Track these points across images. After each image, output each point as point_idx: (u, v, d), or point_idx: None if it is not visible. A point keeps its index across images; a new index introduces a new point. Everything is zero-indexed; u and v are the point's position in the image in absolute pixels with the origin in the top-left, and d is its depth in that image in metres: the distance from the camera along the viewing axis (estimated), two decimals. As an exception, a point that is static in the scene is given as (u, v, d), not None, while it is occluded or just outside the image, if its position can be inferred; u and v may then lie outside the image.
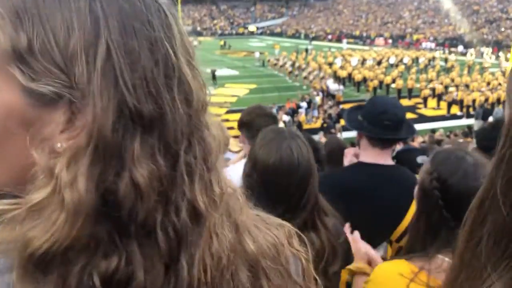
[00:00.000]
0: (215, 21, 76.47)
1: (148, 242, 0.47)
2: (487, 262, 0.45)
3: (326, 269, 1.38)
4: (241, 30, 73.47)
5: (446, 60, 34.61)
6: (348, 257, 1.54)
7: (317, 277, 0.70)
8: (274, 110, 17.19)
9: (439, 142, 8.63)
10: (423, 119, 19.40)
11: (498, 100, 21.51)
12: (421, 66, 32.55)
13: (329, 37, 61.40)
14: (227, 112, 18.27)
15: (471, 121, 18.73)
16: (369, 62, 31.80)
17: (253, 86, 26.45)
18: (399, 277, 1.15)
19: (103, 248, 0.45)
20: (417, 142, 9.33)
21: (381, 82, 25.48)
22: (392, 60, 33.59)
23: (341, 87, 24.34)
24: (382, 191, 1.92)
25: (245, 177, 1.44)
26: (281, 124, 14.32)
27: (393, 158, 2.50)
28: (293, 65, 30.09)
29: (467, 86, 23.76)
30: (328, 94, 22.97)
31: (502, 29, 50.04)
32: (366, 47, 47.10)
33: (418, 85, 24.03)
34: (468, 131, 13.99)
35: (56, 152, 0.45)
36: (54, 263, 0.44)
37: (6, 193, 0.48)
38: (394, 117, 1.96)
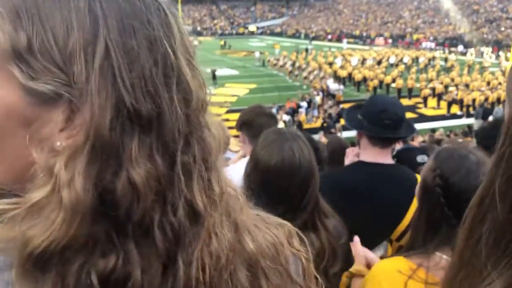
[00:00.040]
0: (215, 21, 76.45)
1: (145, 242, 0.47)
2: (487, 260, 0.44)
3: (326, 270, 1.39)
4: (241, 30, 73.42)
5: (446, 59, 34.59)
6: (349, 258, 1.54)
7: (318, 276, 0.69)
8: (274, 110, 17.07)
9: (439, 142, 8.63)
10: (423, 118, 19.40)
11: (498, 100, 21.50)
12: (421, 65, 32.54)
13: (329, 37, 61.35)
14: (227, 111, 18.26)
15: (471, 120, 18.72)
16: (369, 62, 31.78)
17: (253, 86, 26.44)
18: (398, 274, 1.15)
19: (101, 247, 0.45)
20: (417, 142, 9.33)
21: (381, 82, 25.47)
22: (392, 60, 33.58)
23: (341, 86, 24.34)
24: (382, 190, 1.92)
25: (246, 178, 1.45)
26: (281, 124, 14.33)
27: (393, 157, 2.50)
28: (293, 64, 30.08)
29: (467, 85, 23.75)
30: (328, 94, 22.96)
31: (502, 29, 50.02)
32: (366, 47, 47.09)
33: (418, 85, 24.03)
34: (468, 131, 13.98)
35: (55, 151, 0.45)
36: (52, 262, 0.44)
37: (6, 192, 0.48)
38: (394, 116, 1.96)
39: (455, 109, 21.41)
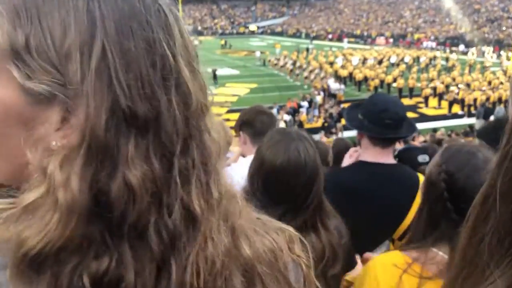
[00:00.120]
0: (215, 21, 76.45)
1: (140, 244, 0.47)
2: (489, 259, 0.44)
3: (325, 271, 1.38)
4: (242, 29, 73.38)
5: (447, 59, 34.55)
6: (349, 259, 1.54)
7: (317, 284, 0.68)
8: (275, 110, 17.04)
9: (440, 142, 8.60)
10: (424, 118, 19.38)
11: (500, 99, 21.48)
12: (422, 65, 32.50)
13: (330, 36, 61.29)
14: (228, 111, 18.26)
15: (472, 120, 18.71)
16: (370, 61, 31.76)
17: (254, 85, 26.44)
18: (393, 268, 1.17)
19: (95, 248, 0.45)
20: (418, 142, 9.32)
21: (382, 81, 25.46)
22: (393, 59, 33.54)
23: (342, 86, 24.34)
24: (383, 190, 1.91)
25: (250, 177, 1.45)
26: (282, 124, 14.32)
27: (395, 157, 2.50)
28: (294, 64, 30.06)
29: (468, 85, 23.71)
30: (329, 94, 22.95)
31: (504, 28, 49.93)
32: (367, 46, 47.02)
33: (419, 84, 24.01)
34: (469, 130, 13.97)
35: (51, 150, 0.45)
36: (47, 263, 0.44)
37: (4, 192, 0.48)
38: (395, 116, 1.95)
39: (456, 108, 21.39)
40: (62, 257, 0.44)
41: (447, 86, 23.73)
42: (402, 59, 34.18)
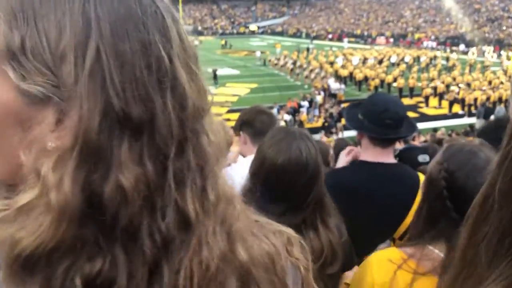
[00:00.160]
0: (216, 21, 76.45)
1: (133, 247, 0.47)
2: (489, 260, 0.44)
3: (322, 270, 1.39)
4: (242, 29, 73.37)
5: (447, 59, 34.55)
6: (349, 258, 1.54)
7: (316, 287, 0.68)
8: (275, 110, 17.03)
9: (440, 141, 8.60)
10: (424, 118, 19.38)
11: (500, 99, 21.47)
12: (423, 65, 32.50)
13: (330, 36, 61.28)
14: (228, 111, 18.27)
15: (472, 120, 18.70)
16: (370, 61, 31.76)
17: (254, 85, 26.44)
18: (388, 263, 1.18)
19: (88, 250, 0.45)
20: (418, 141, 9.31)
21: (382, 81, 25.48)
22: (394, 59, 33.54)
23: (343, 86, 24.35)
24: (384, 189, 1.91)
25: (251, 175, 1.45)
26: (282, 124, 14.31)
27: (395, 156, 2.49)
28: (294, 64, 30.07)
29: (468, 85, 23.71)
30: (329, 93, 22.96)
31: (504, 28, 49.90)
32: (367, 46, 47.04)
33: (419, 84, 24.02)
34: (470, 130, 13.96)
35: (47, 151, 0.45)
36: (40, 264, 0.44)
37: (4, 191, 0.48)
38: (395, 116, 1.94)
39: (456, 108, 21.39)
40: (55, 258, 0.44)
41: (448, 86, 23.73)
42: (403, 59, 34.18)
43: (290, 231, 0.67)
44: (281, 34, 68.72)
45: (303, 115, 18.97)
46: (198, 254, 0.51)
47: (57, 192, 0.43)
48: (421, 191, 1.36)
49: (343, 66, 29.38)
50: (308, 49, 40.02)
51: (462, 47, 45.78)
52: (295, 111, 19.01)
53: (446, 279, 0.54)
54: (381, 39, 54.74)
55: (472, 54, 39.21)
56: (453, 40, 49.83)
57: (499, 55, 38.40)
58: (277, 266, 0.60)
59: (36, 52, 0.46)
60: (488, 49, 41.57)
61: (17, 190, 0.45)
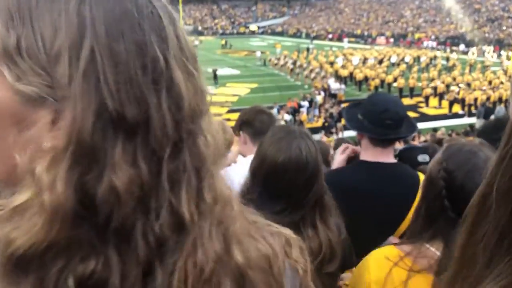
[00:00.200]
0: (216, 21, 76.44)
1: (126, 248, 0.47)
2: (488, 259, 0.44)
3: (320, 268, 1.39)
4: (242, 29, 73.34)
5: (447, 59, 34.54)
6: (347, 257, 1.54)
7: None
8: (275, 110, 17.04)
9: (440, 141, 8.60)
10: (424, 118, 19.39)
11: (500, 99, 21.48)
12: (423, 65, 32.50)
13: (330, 36, 61.28)
14: (228, 111, 18.29)
15: (472, 120, 18.70)
16: (371, 61, 31.76)
17: (255, 85, 26.45)
18: (385, 260, 1.20)
19: (81, 251, 0.45)
20: (418, 141, 9.32)
21: (382, 81, 25.49)
22: (394, 59, 33.54)
23: (343, 86, 24.36)
24: (384, 189, 1.91)
25: (251, 173, 1.46)
26: (282, 124, 14.29)
27: (395, 156, 2.49)
28: (294, 64, 30.07)
29: (468, 84, 23.71)
30: (329, 93, 22.97)
31: (504, 28, 49.89)
32: (368, 46, 47.05)
33: (419, 84, 24.02)
34: (470, 130, 13.96)
35: (42, 152, 0.45)
36: (33, 264, 0.44)
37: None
38: (395, 116, 1.94)
39: (456, 108, 21.39)
40: (48, 258, 0.44)
41: (448, 86, 23.73)
42: (403, 59, 34.18)
43: (289, 232, 0.66)
44: (281, 34, 68.71)
45: (303, 115, 18.98)
46: (193, 256, 0.50)
47: (50, 193, 0.43)
48: (420, 190, 1.36)
49: (343, 66, 29.38)
50: (308, 49, 40.01)
51: (462, 47, 45.79)
52: (295, 111, 19.02)
53: (445, 279, 0.54)
54: (381, 39, 54.74)
55: (472, 54, 39.21)
56: (453, 40, 49.83)
57: (499, 55, 38.40)
58: (274, 268, 0.59)
59: (32, 52, 0.46)
60: (488, 49, 41.58)
61: (14, 190, 0.45)
